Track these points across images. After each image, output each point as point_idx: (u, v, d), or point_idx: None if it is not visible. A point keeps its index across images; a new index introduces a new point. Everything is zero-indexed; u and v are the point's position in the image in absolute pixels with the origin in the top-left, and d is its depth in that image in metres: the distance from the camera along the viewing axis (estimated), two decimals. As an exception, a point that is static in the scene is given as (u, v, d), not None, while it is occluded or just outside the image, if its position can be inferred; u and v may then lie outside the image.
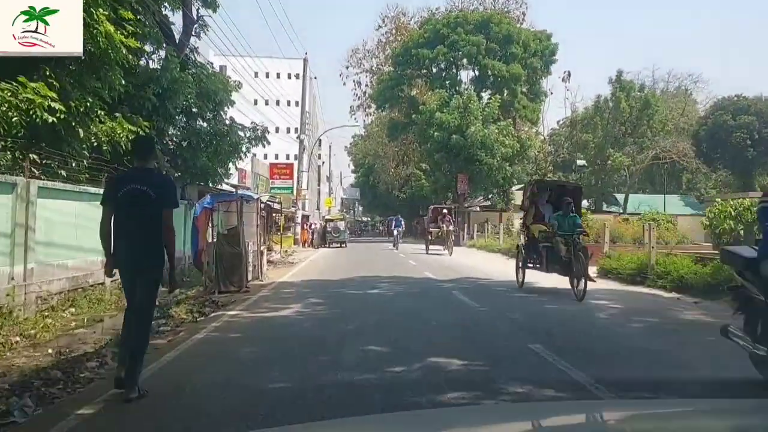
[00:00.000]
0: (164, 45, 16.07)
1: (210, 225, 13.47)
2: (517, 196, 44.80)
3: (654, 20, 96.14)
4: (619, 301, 11.65)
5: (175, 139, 17.65)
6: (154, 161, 5.94)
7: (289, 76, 61.78)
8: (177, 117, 16.97)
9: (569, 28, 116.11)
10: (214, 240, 13.40)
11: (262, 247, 15.79)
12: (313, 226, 36.48)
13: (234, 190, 24.13)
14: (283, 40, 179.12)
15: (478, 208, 46.37)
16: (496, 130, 39.21)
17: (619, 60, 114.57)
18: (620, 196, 49.54)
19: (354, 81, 53.82)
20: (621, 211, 45.08)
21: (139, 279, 5.20)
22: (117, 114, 12.22)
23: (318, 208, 67.40)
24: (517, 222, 41.14)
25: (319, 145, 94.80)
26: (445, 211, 30.66)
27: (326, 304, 10.85)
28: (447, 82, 45.32)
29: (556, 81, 54.61)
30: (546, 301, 11.57)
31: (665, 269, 13.59)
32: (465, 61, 44.33)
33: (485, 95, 43.57)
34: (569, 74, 53.11)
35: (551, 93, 49.85)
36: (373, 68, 52.87)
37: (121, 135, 11.74)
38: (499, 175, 39.81)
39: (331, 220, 38.19)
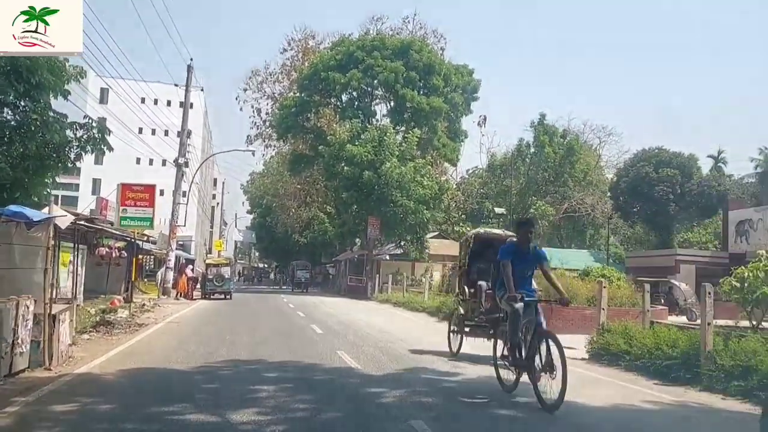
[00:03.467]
0: None
1: None
2: (433, 245, 40.35)
3: (573, 72, 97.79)
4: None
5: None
6: None
7: (181, 105, 54.54)
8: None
9: (483, 74, 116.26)
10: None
11: (59, 308, 9.08)
12: (190, 273, 29.17)
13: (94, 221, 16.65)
14: (177, 66, 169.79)
15: (387, 257, 40.96)
16: (414, 169, 34.33)
17: (533, 109, 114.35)
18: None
19: (252, 107, 47.41)
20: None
21: None
22: None
23: (210, 253, 59.46)
24: (438, 275, 36.54)
25: (214, 185, 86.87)
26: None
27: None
28: (360, 113, 40.23)
29: (470, 125, 51.68)
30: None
31: (735, 360, 8.35)
32: (381, 89, 39.53)
33: (402, 129, 38.76)
34: (485, 118, 49.95)
35: (466, 136, 46.10)
36: (276, 95, 46.85)
37: None
38: (414, 220, 34.65)
39: (214, 265, 30.85)
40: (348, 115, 39.35)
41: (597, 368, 10.69)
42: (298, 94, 41.45)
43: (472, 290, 10.86)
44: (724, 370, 8.38)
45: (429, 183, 34.70)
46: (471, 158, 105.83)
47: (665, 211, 41.65)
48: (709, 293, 9.05)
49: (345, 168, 34.22)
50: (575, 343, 14.85)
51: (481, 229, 14.13)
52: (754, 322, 11.45)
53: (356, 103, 41.22)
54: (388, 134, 35.12)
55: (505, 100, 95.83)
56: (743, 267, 11.99)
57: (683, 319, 24.14)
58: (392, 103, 40.61)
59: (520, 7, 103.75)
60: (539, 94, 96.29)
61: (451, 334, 11.29)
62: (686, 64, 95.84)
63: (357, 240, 42.06)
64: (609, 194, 48.42)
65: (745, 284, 11.83)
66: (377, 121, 40.82)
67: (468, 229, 50.31)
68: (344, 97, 41.44)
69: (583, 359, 11.86)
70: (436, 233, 42.31)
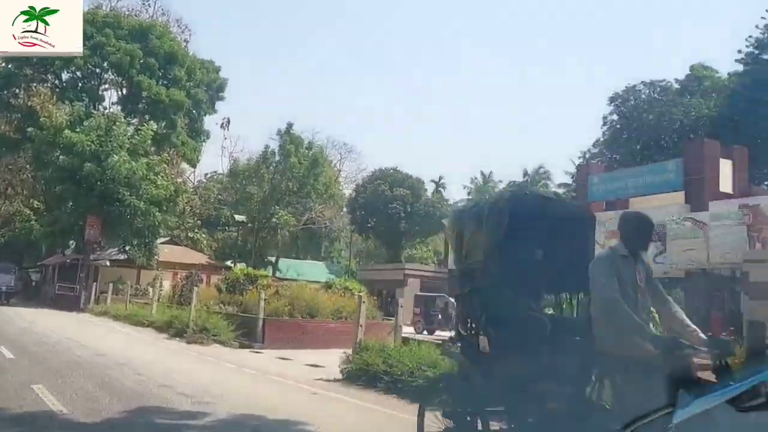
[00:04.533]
0: None
1: None
2: (163, 252, 36.56)
3: (321, 88, 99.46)
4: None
5: None
6: None
7: None
8: None
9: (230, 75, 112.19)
10: None
11: None
12: None
13: None
14: None
15: (108, 263, 36.02)
16: (147, 165, 30.72)
17: (280, 118, 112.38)
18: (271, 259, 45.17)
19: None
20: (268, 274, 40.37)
21: None
22: None
23: None
24: (168, 285, 32.73)
25: None
26: None
27: None
28: (84, 96, 34.90)
29: (214, 126, 48.88)
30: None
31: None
32: (113, 73, 34.85)
33: (136, 121, 34.59)
34: (229, 121, 47.89)
35: (209, 137, 43.45)
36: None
37: None
38: (144, 222, 30.96)
39: None
40: (69, 97, 33.82)
41: (354, 392, 9.75)
42: (3, 64, 34.40)
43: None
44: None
45: (164, 183, 31.36)
46: (212, 162, 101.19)
47: (397, 227, 44.38)
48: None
49: (61, 157, 29.08)
50: (324, 361, 13.94)
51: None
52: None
53: (80, 84, 35.77)
54: (117, 124, 30.87)
55: (252, 105, 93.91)
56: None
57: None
58: (125, 90, 36.13)
59: (269, 15, 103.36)
60: (287, 104, 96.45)
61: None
62: (417, 84, 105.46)
63: (71, 242, 36.33)
64: (346, 209, 50.06)
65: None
66: (105, 108, 35.94)
67: (203, 236, 47.70)
68: (65, 76, 35.67)
69: (336, 380, 10.90)
70: (168, 239, 38.76)
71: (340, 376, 11.00)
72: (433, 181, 62.17)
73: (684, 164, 29.27)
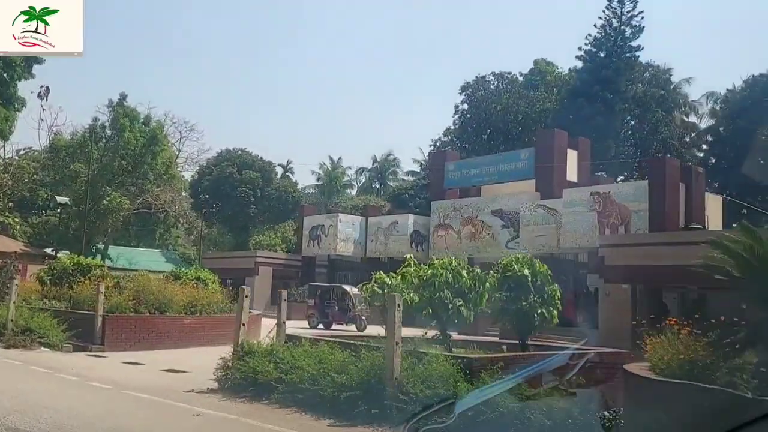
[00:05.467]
0: None
1: None
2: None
3: (158, 58, 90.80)
4: None
5: None
6: None
7: None
8: None
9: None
10: None
11: None
12: None
13: None
14: None
15: None
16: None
17: (110, 90, 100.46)
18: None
19: None
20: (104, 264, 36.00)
21: None
22: None
23: None
24: None
25: None
26: None
27: None
28: None
29: (30, 95, 41.97)
30: None
31: (428, 387, 6.72)
32: None
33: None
34: (48, 89, 41.68)
35: (24, 105, 37.39)
36: None
37: None
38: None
39: None
40: None
41: (245, 407, 7.92)
42: None
43: None
44: (418, 401, 6.72)
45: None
46: (26, 137, 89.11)
47: (245, 212, 41.67)
48: (399, 305, 7.38)
49: None
50: (184, 364, 11.76)
51: None
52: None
53: None
54: None
55: (78, 74, 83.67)
56: (381, 272, 10.91)
57: (353, 328, 22.98)
58: None
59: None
60: (118, 77, 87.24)
61: None
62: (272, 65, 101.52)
63: None
64: (187, 192, 46.12)
65: (385, 290, 10.84)
66: None
67: (15, 220, 41.21)
68: None
69: (213, 391, 8.95)
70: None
71: (215, 386, 9.09)
72: (280, 165, 59.93)
73: (535, 153, 30.44)
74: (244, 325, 8.99)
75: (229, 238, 46.14)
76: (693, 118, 42.93)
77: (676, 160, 22.73)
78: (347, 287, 26.39)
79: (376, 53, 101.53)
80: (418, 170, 60.12)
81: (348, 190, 64.33)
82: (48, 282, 18.66)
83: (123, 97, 37.28)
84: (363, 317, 22.78)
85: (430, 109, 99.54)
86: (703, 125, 42.45)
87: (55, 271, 19.03)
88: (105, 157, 36.46)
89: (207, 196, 44.28)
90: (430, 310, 8.96)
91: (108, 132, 36.93)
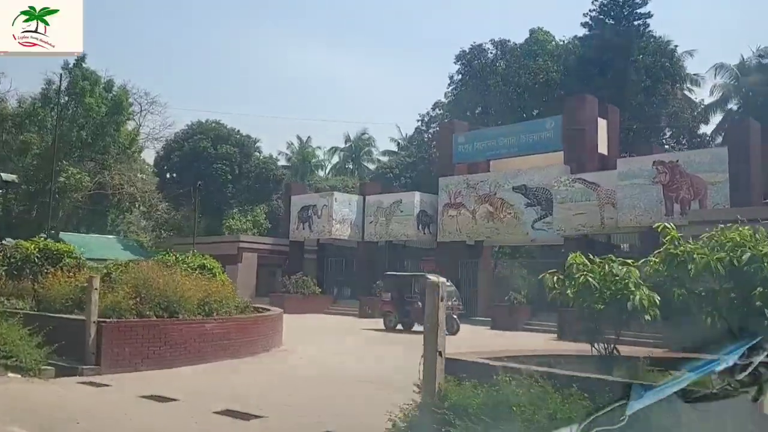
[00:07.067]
0: None
1: None
2: None
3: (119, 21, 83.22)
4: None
5: None
6: None
7: None
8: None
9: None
10: None
11: None
12: None
13: None
14: None
15: None
16: None
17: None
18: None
19: None
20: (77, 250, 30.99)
21: None
22: None
23: None
24: None
25: None
26: None
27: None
28: None
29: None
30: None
31: None
32: None
33: None
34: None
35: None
36: None
37: None
38: None
39: None
40: None
41: None
42: None
43: None
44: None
45: None
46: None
47: (222, 192, 37.15)
48: None
49: None
50: (252, 400, 7.77)
51: None
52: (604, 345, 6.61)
53: None
54: None
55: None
56: (579, 253, 7.09)
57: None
58: None
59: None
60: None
61: None
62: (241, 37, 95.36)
63: None
64: (154, 170, 41.03)
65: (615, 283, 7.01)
66: None
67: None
68: None
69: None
70: None
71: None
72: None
73: (563, 122, 27.11)
74: (440, 354, 5.00)
75: (201, 222, 41.37)
76: (704, 93, 40.64)
77: (756, 122, 19.71)
78: (431, 276, 21.89)
79: (345, 29, 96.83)
80: (395, 149, 56.53)
81: (320, 171, 60.33)
82: (3, 275, 14.25)
83: (80, 58, 32.09)
84: (455, 315, 18.18)
85: (409, 83, 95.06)
86: (711, 99, 40.17)
87: (14, 261, 14.59)
88: (62, 127, 31.29)
89: (174, 174, 39.45)
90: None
91: (66, 98, 31.73)
